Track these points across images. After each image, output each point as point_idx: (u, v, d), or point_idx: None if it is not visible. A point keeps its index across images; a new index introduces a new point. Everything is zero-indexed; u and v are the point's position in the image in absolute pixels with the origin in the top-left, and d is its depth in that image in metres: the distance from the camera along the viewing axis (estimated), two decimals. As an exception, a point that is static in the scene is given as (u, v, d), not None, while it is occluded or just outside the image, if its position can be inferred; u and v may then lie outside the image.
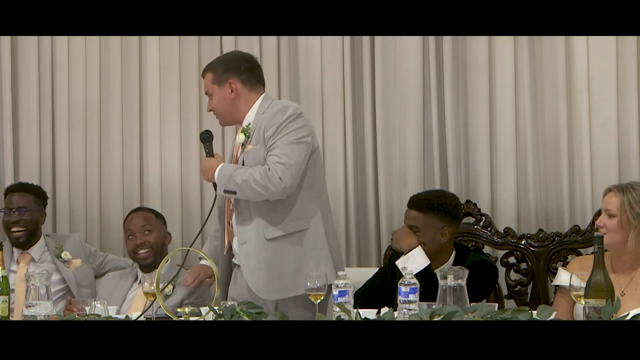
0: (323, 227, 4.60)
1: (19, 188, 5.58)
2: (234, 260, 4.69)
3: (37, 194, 5.57)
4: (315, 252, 4.53)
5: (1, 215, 5.53)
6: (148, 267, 5.30)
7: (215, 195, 4.64)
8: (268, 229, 4.52)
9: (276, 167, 4.42)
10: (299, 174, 4.49)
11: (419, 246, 4.68)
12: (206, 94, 4.70)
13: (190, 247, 4.57)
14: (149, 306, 4.30)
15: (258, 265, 4.52)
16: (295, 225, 4.54)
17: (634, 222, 4.34)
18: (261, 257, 4.52)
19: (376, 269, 5.14)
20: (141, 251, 5.32)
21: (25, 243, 5.50)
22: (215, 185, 4.59)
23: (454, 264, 4.76)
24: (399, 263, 4.63)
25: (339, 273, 4.02)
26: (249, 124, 4.60)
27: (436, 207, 4.82)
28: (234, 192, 4.49)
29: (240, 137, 4.61)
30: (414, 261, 4.61)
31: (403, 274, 3.89)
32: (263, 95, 4.67)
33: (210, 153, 4.62)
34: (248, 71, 4.67)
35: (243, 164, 4.55)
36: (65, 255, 5.50)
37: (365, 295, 4.90)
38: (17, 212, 5.48)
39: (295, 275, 4.45)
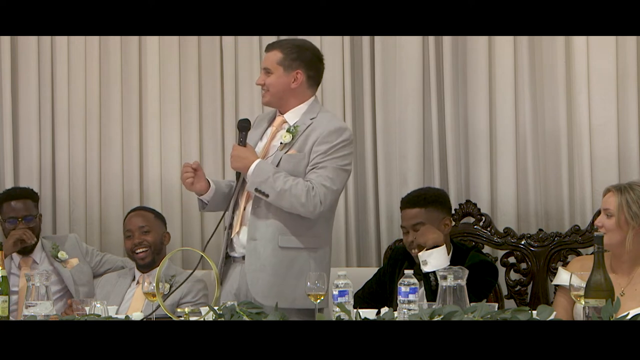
0: (329, 248, 4.60)
1: (17, 195, 5.50)
2: (229, 252, 4.63)
3: (33, 198, 5.53)
4: (318, 272, 4.50)
5: (8, 224, 5.46)
6: (146, 266, 5.30)
7: (236, 188, 4.59)
8: (285, 236, 4.49)
9: (320, 189, 4.42)
10: (336, 200, 4.53)
11: (444, 245, 4.66)
12: (264, 68, 4.60)
13: (203, 250, 4.55)
14: (155, 309, 4.28)
15: (262, 267, 4.49)
16: (311, 241, 4.53)
17: (632, 222, 4.34)
18: (268, 260, 4.49)
19: (376, 269, 5.13)
20: (139, 250, 5.31)
21: (30, 250, 5.47)
22: (238, 174, 4.56)
23: (452, 262, 4.75)
24: (422, 256, 4.60)
25: (339, 273, 4.01)
26: (297, 125, 4.56)
27: (434, 199, 4.85)
28: (267, 195, 4.44)
29: (287, 137, 4.53)
30: (436, 258, 4.58)
31: (405, 272, 3.89)
32: (314, 97, 4.64)
33: (243, 142, 4.55)
34: (316, 69, 4.63)
35: (278, 164, 4.50)
36: (62, 255, 5.48)
37: (365, 296, 4.90)
38: (24, 220, 5.45)
39: (295, 289, 4.42)
